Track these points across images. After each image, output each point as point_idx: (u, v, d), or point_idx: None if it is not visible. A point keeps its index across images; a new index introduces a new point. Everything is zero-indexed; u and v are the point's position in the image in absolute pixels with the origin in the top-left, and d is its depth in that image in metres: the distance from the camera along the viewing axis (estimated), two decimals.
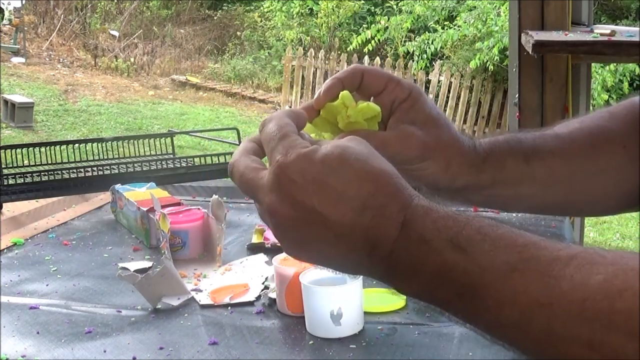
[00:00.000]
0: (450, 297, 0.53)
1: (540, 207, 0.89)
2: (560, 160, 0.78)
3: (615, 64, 7.47)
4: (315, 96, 0.71)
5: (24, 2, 11.15)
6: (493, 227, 0.53)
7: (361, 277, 0.99)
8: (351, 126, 0.70)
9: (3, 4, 10.90)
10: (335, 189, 0.55)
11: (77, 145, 1.76)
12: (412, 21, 9.61)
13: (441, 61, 9.40)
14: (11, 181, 1.58)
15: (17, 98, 7.87)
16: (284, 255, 1.14)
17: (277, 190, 0.56)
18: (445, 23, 9.39)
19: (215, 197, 1.35)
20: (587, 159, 0.79)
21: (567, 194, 0.81)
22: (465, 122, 9.31)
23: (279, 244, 1.41)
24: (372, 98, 0.73)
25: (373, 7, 10.98)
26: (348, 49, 10.17)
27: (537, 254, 0.50)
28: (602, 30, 2.34)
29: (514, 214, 1.67)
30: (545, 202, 0.81)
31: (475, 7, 8.88)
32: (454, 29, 8.91)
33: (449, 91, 9.35)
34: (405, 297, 1.11)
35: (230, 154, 1.88)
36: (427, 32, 9.33)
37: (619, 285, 0.46)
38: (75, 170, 1.66)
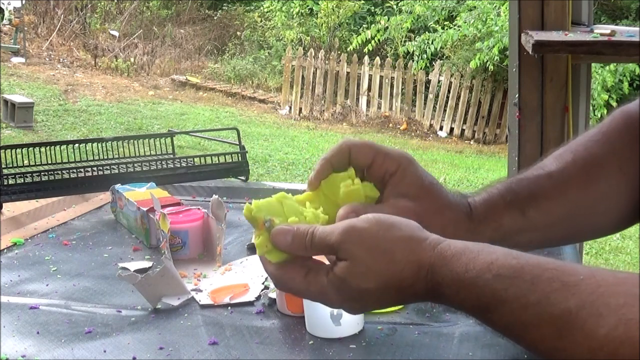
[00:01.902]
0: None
1: (543, 245, 0.91)
2: (557, 203, 0.79)
3: (615, 64, 7.47)
4: (308, 179, 0.75)
5: (24, 2, 11.15)
6: (506, 290, 0.61)
7: None
8: (350, 195, 0.72)
9: (3, 4, 10.90)
10: (371, 300, 0.68)
11: (77, 145, 1.76)
12: (412, 21, 9.61)
13: (441, 61, 9.40)
14: (11, 181, 1.58)
15: (17, 98, 7.87)
16: None
17: (336, 295, 0.68)
18: (445, 23, 9.40)
19: (215, 197, 1.35)
20: (584, 192, 0.80)
21: (567, 229, 0.84)
22: (465, 122, 9.30)
23: None
24: (365, 171, 0.75)
25: (373, 7, 10.98)
26: (348, 49, 10.17)
27: (548, 310, 0.59)
28: (602, 30, 2.34)
29: None
30: (547, 240, 0.86)
31: (475, 7, 8.88)
32: (454, 29, 8.91)
33: (449, 91, 9.35)
34: None
35: (230, 154, 1.89)
36: (427, 32, 9.32)
37: (621, 336, 0.55)
38: (75, 170, 1.66)
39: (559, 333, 0.58)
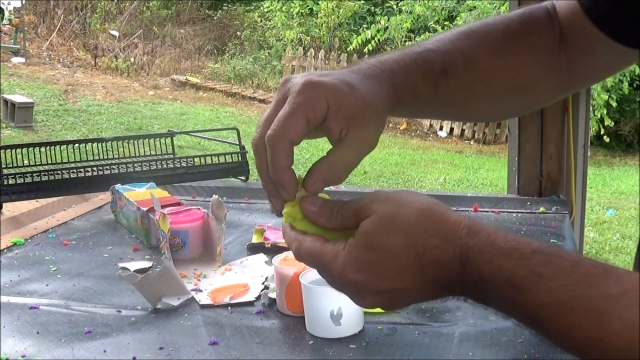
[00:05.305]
0: (518, 321, 0.61)
1: (455, 118, 0.94)
2: (465, 84, 0.79)
3: None
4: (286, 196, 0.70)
5: (24, 2, 11.15)
6: (546, 265, 0.58)
7: None
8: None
9: (3, 4, 10.90)
10: (389, 266, 0.62)
11: (77, 145, 1.76)
12: (412, 21, 9.62)
13: None
14: (11, 181, 1.58)
15: (17, 98, 7.87)
16: (284, 255, 1.14)
17: (352, 288, 0.65)
18: (445, 23, 9.40)
19: (215, 197, 1.35)
20: (492, 77, 0.80)
21: (474, 110, 0.85)
22: (464, 122, 9.29)
23: (279, 244, 1.40)
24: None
25: (373, 7, 10.99)
26: (348, 49, 10.18)
27: (589, 292, 0.56)
28: None
29: (513, 214, 1.67)
30: (457, 115, 0.89)
31: (475, 7, 8.88)
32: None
33: None
34: None
35: (230, 154, 1.89)
36: (427, 32, 9.34)
37: None
38: (75, 170, 1.66)
39: (597, 320, 0.55)
